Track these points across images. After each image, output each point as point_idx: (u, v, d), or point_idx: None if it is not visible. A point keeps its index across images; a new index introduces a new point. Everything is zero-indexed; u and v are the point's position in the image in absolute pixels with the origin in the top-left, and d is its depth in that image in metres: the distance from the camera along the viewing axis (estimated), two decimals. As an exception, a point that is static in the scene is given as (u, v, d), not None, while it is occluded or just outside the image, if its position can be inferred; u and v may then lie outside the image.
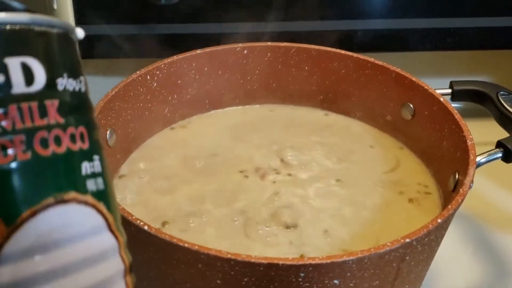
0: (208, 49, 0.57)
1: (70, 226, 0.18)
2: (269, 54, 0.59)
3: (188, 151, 0.54)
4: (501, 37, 0.70)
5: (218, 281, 0.37)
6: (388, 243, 0.36)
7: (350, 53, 0.57)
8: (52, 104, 0.18)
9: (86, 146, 0.19)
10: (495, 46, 0.71)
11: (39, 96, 0.18)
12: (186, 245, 0.35)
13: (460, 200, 0.40)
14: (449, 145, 0.49)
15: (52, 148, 0.18)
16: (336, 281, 0.36)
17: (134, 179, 0.50)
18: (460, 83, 0.57)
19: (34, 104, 0.18)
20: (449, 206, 0.40)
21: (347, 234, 0.45)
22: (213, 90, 0.59)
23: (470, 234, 0.58)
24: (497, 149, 0.48)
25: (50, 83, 0.19)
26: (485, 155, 0.47)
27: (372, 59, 0.57)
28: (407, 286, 0.42)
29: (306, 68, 0.59)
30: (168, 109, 0.56)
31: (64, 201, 0.18)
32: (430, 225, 0.38)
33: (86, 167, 0.19)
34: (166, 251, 0.37)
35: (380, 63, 0.56)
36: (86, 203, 0.19)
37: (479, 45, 0.70)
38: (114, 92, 0.49)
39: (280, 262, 0.34)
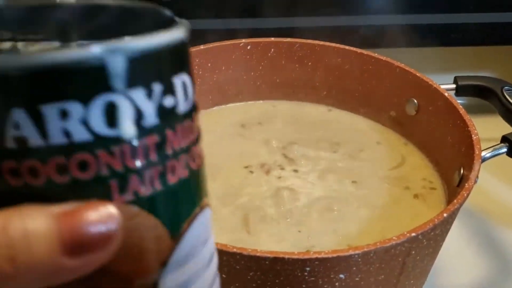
0: (211, 45, 0.57)
1: (207, 228, 0.20)
2: (272, 49, 0.58)
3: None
4: (505, 33, 0.70)
5: (224, 276, 0.37)
6: (394, 237, 0.36)
7: (354, 49, 0.57)
8: (195, 119, 0.19)
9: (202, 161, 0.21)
10: (499, 42, 0.71)
11: (190, 114, 0.19)
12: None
13: (465, 194, 0.40)
14: (454, 140, 0.49)
15: (197, 162, 0.19)
16: (341, 275, 0.36)
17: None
18: (464, 78, 0.57)
19: (189, 123, 0.19)
20: (455, 201, 0.40)
21: (353, 230, 0.45)
22: (216, 86, 0.58)
23: (475, 229, 0.58)
24: (502, 144, 0.48)
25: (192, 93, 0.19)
26: (490, 150, 0.47)
27: (376, 55, 0.56)
28: (412, 281, 0.42)
29: (310, 63, 0.59)
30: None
31: (202, 207, 0.20)
32: (436, 220, 0.38)
33: (203, 171, 0.20)
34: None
35: (384, 58, 0.56)
36: (208, 204, 0.20)
37: (483, 40, 0.70)
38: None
39: (286, 256, 0.34)
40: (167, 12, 0.19)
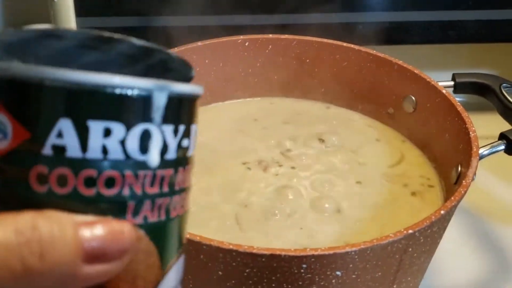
0: (208, 41, 0.56)
1: (182, 271, 0.22)
2: (270, 46, 0.58)
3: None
4: (504, 30, 0.70)
5: (220, 273, 0.36)
6: (390, 234, 0.36)
7: (352, 46, 0.57)
8: (189, 169, 0.21)
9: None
10: (497, 39, 0.71)
11: (192, 160, 0.21)
12: (187, 236, 0.35)
13: (463, 192, 0.40)
14: (452, 138, 0.49)
15: (185, 208, 0.21)
16: (338, 273, 0.36)
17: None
18: (462, 76, 0.57)
19: (191, 166, 0.21)
20: (452, 198, 0.40)
21: (351, 227, 0.45)
22: (214, 82, 0.58)
23: (472, 227, 0.58)
24: (500, 141, 0.48)
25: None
26: (488, 147, 0.47)
27: (374, 52, 0.56)
28: (409, 278, 0.42)
29: (308, 60, 0.59)
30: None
31: (184, 250, 0.22)
32: (433, 217, 0.38)
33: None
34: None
35: (382, 55, 0.56)
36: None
37: (482, 38, 0.70)
38: (114, 84, 0.49)
39: (282, 253, 0.34)
40: (192, 69, 0.23)
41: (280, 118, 0.58)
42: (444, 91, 0.51)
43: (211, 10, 0.66)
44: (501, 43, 0.73)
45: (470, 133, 0.46)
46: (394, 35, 0.69)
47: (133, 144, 0.18)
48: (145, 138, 0.19)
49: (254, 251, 0.34)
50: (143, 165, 0.19)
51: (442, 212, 0.38)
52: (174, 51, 0.55)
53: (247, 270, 0.36)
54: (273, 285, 0.36)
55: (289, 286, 0.36)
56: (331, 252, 0.35)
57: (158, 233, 0.20)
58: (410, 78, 0.54)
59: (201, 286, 0.39)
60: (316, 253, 0.34)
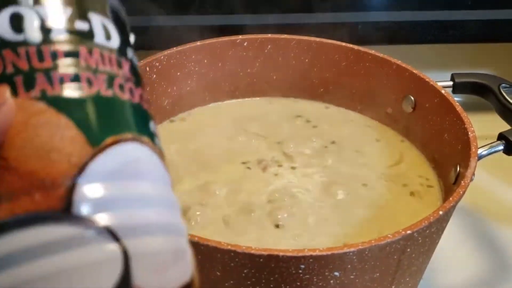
0: (207, 41, 0.56)
1: (145, 162, 0.21)
2: (269, 46, 0.58)
3: (188, 143, 0.54)
4: (503, 30, 0.70)
5: (218, 273, 0.36)
6: (389, 235, 0.36)
7: (351, 46, 0.57)
8: (125, 62, 0.21)
9: (149, 108, 0.22)
10: (497, 39, 0.71)
11: (118, 51, 0.21)
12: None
13: (461, 192, 0.40)
14: (450, 138, 0.49)
15: (128, 95, 0.21)
16: (336, 273, 0.36)
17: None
18: (461, 76, 0.57)
19: (114, 56, 0.21)
20: (450, 198, 0.40)
21: (350, 228, 0.45)
22: (213, 82, 0.58)
23: (471, 227, 0.58)
24: (499, 142, 0.48)
25: (124, 47, 0.22)
26: (487, 147, 0.47)
27: (373, 52, 0.56)
28: (408, 279, 0.42)
29: (307, 60, 0.59)
30: (167, 102, 0.56)
31: (140, 141, 0.21)
32: (432, 217, 0.37)
33: (152, 124, 0.22)
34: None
35: (381, 55, 0.56)
36: (154, 150, 0.21)
37: (481, 38, 0.70)
38: (113, 83, 0.49)
39: (280, 254, 0.34)
40: None
41: (279, 118, 0.58)
42: (443, 91, 0.51)
43: (210, 9, 0.66)
44: (500, 43, 0.73)
45: (469, 133, 0.46)
46: (393, 35, 0.69)
47: (3, 26, 0.19)
48: (16, 19, 0.19)
49: (252, 251, 0.34)
50: (23, 43, 0.19)
51: (440, 212, 0.38)
52: (173, 50, 0.54)
53: (245, 271, 0.36)
54: (271, 285, 0.36)
55: (287, 287, 0.36)
56: (329, 252, 0.35)
57: (68, 107, 0.19)
58: (409, 78, 0.54)
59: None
60: (314, 253, 0.34)
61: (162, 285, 0.19)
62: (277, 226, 0.45)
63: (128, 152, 0.20)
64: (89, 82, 0.20)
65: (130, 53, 0.22)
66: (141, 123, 0.21)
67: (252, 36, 0.58)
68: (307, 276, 0.36)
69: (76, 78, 0.20)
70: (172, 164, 0.51)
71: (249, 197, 0.48)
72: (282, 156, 0.53)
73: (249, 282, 0.36)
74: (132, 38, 0.23)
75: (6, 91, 0.19)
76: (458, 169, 0.46)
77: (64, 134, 0.19)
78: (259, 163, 0.51)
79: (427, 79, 0.52)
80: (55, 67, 0.20)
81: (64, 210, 0.18)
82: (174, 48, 0.55)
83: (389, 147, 0.55)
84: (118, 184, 0.19)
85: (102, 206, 0.19)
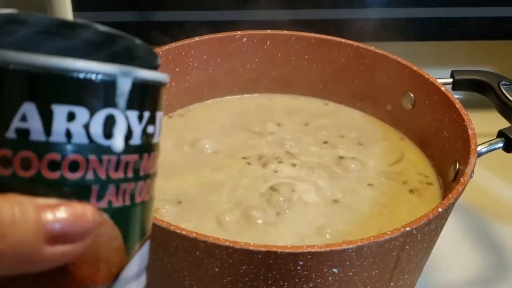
0: (206, 37, 0.56)
1: (147, 258, 0.22)
2: (268, 42, 0.58)
3: (187, 139, 0.54)
4: (504, 27, 0.69)
5: (216, 269, 0.36)
6: (388, 232, 0.36)
7: (351, 42, 0.57)
8: (154, 156, 0.22)
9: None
10: (496, 37, 0.70)
11: (158, 147, 0.22)
12: (184, 232, 0.35)
13: (460, 189, 0.40)
14: (450, 135, 0.49)
15: (152, 194, 0.22)
16: (335, 270, 0.36)
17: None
18: (461, 73, 0.57)
19: (157, 153, 0.22)
20: (450, 195, 0.39)
21: (350, 225, 0.45)
22: (211, 78, 0.58)
23: (470, 225, 0.58)
24: (498, 139, 0.48)
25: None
26: (486, 144, 0.47)
27: (372, 48, 0.56)
28: (406, 276, 0.42)
29: (306, 56, 0.59)
30: (166, 97, 0.55)
31: (149, 237, 0.22)
32: (431, 214, 0.37)
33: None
34: (164, 238, 0.36)
35: (380, 52, 0.56)
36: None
37: (481, 35, 0.70)
38: (111, 79, 0.49)
39: (279, 250, 0.34)
40: (157, 57, 0.23)
41: (278, 114, 0.58)
42: (442, 88, 0.51)
43: (209, 5, 0.66)
44: (500, 41, 0.72)
45: (469, 130, 0.45)
46: (393, 32, 0.68)
47: (97, 128, 0.19)
48: (109, 123, 0.19)
49: (251, 247, 0.34)
50: (107, 150, 0.19)
51: (439, 209, 0.38)
52: (172, 46, 0.54)
53: (243, 267, 0.35)
54: (270, 282, 0.36)
55: (286, 283, 0.36)
56: (328, 249, 0.34)
57: (122, 217, 0.20)
58: (409, 75, 0.54)
59: (197, 283, 0.39)
60: (312, 250, 0.34)
61: None
62: (275, 221, 0.45)
63: (144, 255, 0.21)
64: (140, 192, 0.21)
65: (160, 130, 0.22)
66: (151, 218, 0.22)
67: (251, 32, 0.57)
68: (306, 272, 0.35)
69: (134, 190, 0.20)
70: (172, 160, 0.51)
71: (248, 192, 0.47)
72: (282, 152, 0.52)
73: (247, 279, 0.36)
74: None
75: (91, 209, 0.19)
76: (457, 166, 0.46)
77: (114, 246, 0.20)
78: (259, 159, 0.51)
79: (427, 76, 0.52)
80: (125, 179, 0.20)
81: None
82: (173, 43, 0.54)
83: (389, 145, 0.55)
84: (139, 283, 0.21)
85: None
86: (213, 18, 0.65)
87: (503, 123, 0.51)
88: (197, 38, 0.56)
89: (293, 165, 0.51)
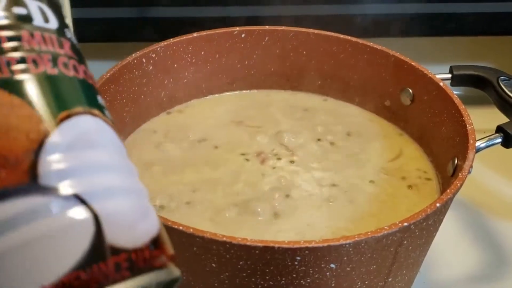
0: (205, 33, 0.56)
1: (99, 132, 0.22)
2: (267, 38, 0.58)
3: (185, 136, 0.54)
4: (502, 23, 0.69)
5: (213, 265, 0.36)
6: (385, 227, 0.36)
7: (349, 37, 0.57)
8: (65, 42, 0.22)
9: (94, 83, 0.23)
10: (495, 32, 0.70)
11: (57, 32, 0.22)
12: (180, 227, 0.35)
13: (459, 184, 0.40)
14: (449, 130, 0.49)
15: (73, 72, 0.22)
16: (332, 265, 0.36)
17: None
18: (460, 68, 0.56)
19: (54, 36, 0.22)
20: (448, 191, 0.39)
21: (347, 221, 0.45)
22: (210, 74, 0.58)
23: (468, 220, 0.58)
24: (497, 134, 0.48)
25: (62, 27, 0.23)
26: (485, 139, 0.47)
27: (371, 44, 0.56)
28: (404, 271, 0.42)
29: (305, 52, 0.58)
30: (164, 93, 0.56)
31: (91, 113, 0.22)
32: (429, 209, 0.37)
33: (100, 98, 0.23)
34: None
35: (379, 47, 0.55)
36: (106, 121, 0.22)
37: (480, 30, 0.70)
38: (109, 74, 0.49)
39: (276, 245, 0.34)
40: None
41: (277, 110, 0.58)
42: (441, 84, 0.51)
43: (207, 1, 0.65)
44: (499, 36, 0.72)
45: (467, 125, 0.45)
46: (391, 27, 0.68)
47: None
48: None
49: (248, 243, 0.34)
50: None
51: (437, 204, 0.38)
52: (170, 42, 0.54)
53: (240, 262, 0.35)
54: (267, 277, 0.36)
55: (283, 279, 0.36)
56: (325, 244, 0.34)
57: (19, 88, 0.20)
58: (407, 70, 0.54)
59: (194, 278, 0.39)
60: (310, 245, 0.34)
61: (133, 240, 0.21)
62: (274, 218, 0.45)
63: (81, 124, 0.21)
64: (35, 63, 0.21)
65: (68, 33, 0.23)
66: (89, 97, 0.22)
67: (250, 27, 0.57)
68: (303, 268, 0.35)
69: (22, 60, 0.21)
70: (170, 156, 0.51)
71: (247, 188, 0.47)
72: (281, 148, 0.52)
73: (244, 274, 0.36)
74: (68, 20, 0.24)
75: None
76: (456, 161, 0.46)
77: (19, 113, 0.20)
78: (257, 155, 0.51)
79: (425, 72, 0.52)
80: (1, 52, 0.20)
81: (30, 183, 0.19)
82: (171, 39, 0.54)
83: (387, 141, 0.55)
84: (77, 154, 0.20)
85: (66, 175, 0.20)
86: (211, 14, 0.65)
87: (502, 119, 0.51)
88: (195, 34, 0.55)
89: (292, 161, 0.51)
